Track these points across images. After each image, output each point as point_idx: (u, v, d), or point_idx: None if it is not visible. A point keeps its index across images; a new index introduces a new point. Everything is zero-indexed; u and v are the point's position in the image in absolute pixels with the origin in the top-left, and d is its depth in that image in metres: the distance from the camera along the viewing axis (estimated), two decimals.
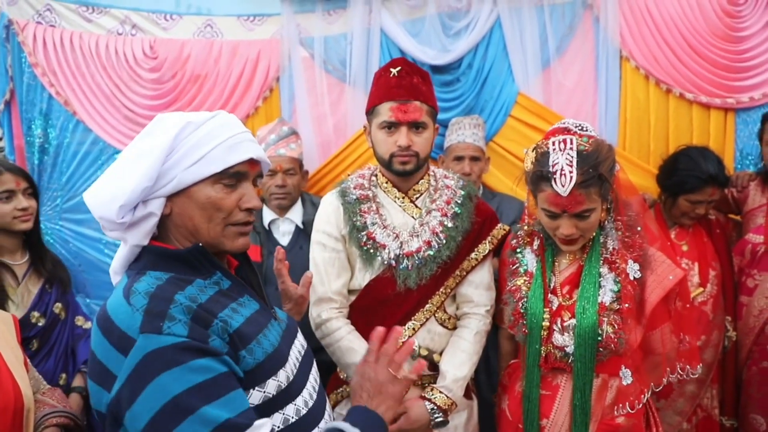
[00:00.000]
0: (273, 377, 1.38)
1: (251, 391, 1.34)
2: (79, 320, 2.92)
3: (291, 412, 1.41)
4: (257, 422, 1.26)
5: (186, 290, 1.33)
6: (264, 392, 1.36)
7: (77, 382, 2.75)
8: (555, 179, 1.96)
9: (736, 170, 3.40)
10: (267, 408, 1.37)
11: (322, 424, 1.49)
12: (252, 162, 1.45)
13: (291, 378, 1.44)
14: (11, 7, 3.59)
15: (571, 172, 1.94)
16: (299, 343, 1.60)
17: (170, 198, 1.38)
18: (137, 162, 1.34)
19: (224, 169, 1.38)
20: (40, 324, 2.66)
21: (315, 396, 1.53)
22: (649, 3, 3.47)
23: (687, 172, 2.92)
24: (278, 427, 1.37)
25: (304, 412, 1.43)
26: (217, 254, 1.46)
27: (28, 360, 2.09)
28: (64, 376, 2.73)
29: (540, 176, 2.01)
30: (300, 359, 1.54)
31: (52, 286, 2.79)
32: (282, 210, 3.33)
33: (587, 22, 3.58)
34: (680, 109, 3.50)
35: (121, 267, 1.47)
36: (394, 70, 2.24)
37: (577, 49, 3.61)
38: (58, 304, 2.78)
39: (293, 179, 3.32)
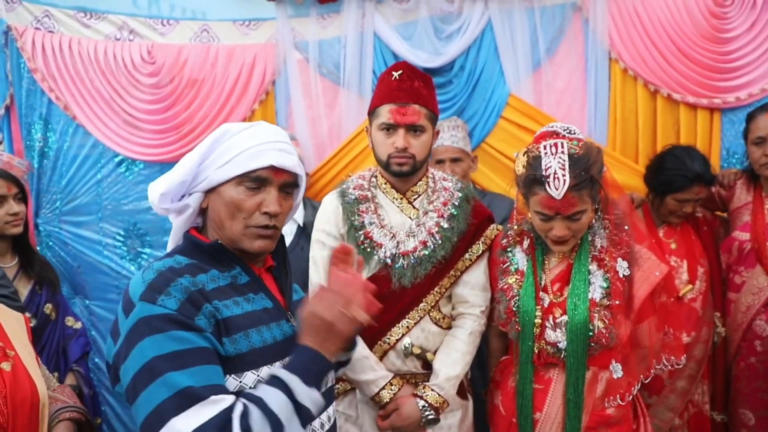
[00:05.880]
0: (253, 370, 1.44)
1: (228, 377, 1.40)
2: (69, 320, 2.98)
3: None
4: (214, 397, 1.29)
5: (196, 277, 1.45)
6: (240, 382, 1.41)
7: (69, 380, 2.80)
8: (549, 183, 1.99)
9: (722, 169, 3.42)
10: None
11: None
12: (276, 170, 1.55)
13: None
14: (10, 13, 3.62)
15: (564, 175, 1.97)
16: None
17: (207, 194, 1.57)
18: (184, 161, 1.54)
19: (246, 172, 1.51)
20: (31, 324, 2.67)
21: None
22: (638, 5, 3.52)
23: (674, 172, 2.93)
24: None
25: None
26: (247, 253, 1.58)
27: (38, 358, 2.13)
28: (56, 374, 2.77)
29: (533, 180, 2.04)
30: None
31: (42, 287, 2.84)
32: None
33: (577, 24, 3.63)
34: (668, 109, 3.55)
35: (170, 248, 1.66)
36: (396, 74, 2.29)
37: (567, 51, 3.66)
38: (49, 305, 2.84)
39: None
